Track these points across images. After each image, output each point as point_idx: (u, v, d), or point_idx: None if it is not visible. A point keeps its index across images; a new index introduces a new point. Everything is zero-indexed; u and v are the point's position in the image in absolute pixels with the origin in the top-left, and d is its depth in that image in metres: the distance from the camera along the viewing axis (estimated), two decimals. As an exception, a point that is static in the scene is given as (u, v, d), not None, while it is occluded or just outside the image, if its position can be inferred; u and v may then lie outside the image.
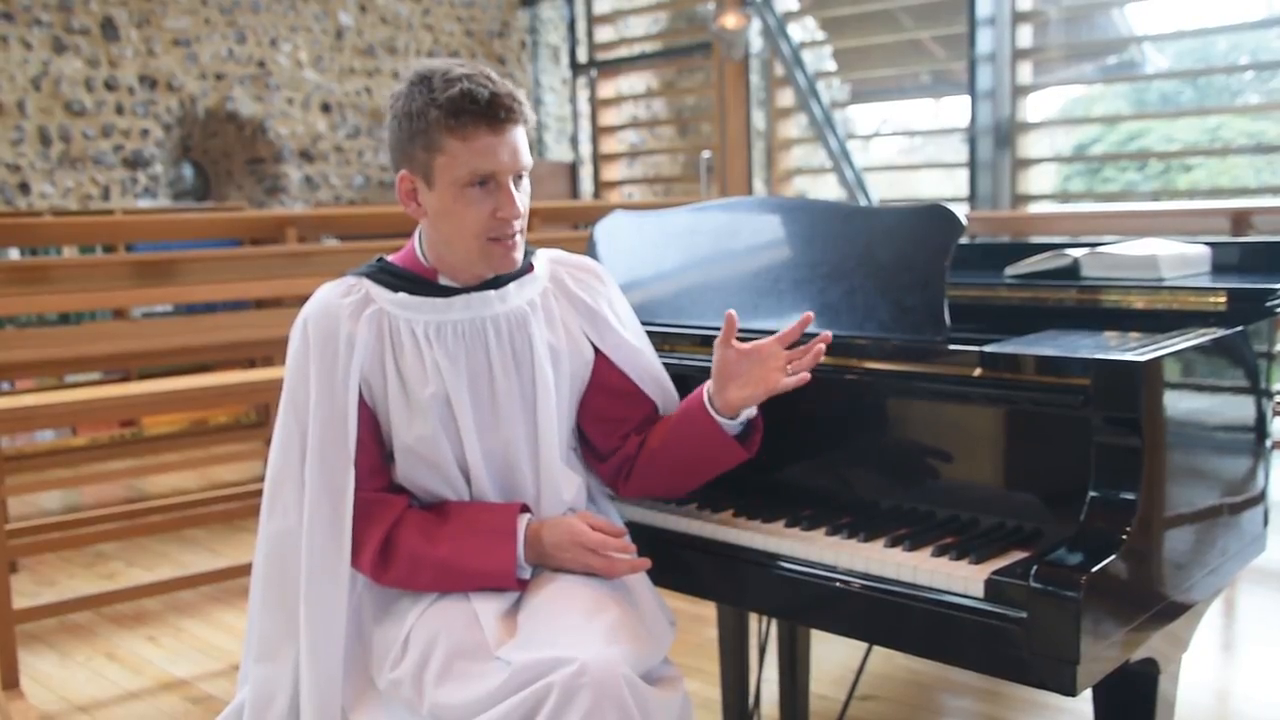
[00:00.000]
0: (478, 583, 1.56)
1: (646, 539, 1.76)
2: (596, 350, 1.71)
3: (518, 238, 1.59)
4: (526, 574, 1.59)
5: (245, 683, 1.65)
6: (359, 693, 1.56)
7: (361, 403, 1.57)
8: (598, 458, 1.76)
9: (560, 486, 1.65)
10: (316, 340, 1.57)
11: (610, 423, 1.73)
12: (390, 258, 1.66)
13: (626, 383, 1.72)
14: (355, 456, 1.56)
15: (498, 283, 1.64)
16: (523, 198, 1.57)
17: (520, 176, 1.57)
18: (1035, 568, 1.33)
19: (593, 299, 1.71)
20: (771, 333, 1.63)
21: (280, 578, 1.58)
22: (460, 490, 1.62)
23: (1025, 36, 7.50)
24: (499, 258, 1.58)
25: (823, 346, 1.57)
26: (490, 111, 1.50)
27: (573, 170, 9.96)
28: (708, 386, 1.64)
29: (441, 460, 1.59)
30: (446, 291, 1.62)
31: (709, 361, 1.81)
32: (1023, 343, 1.59)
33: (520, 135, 1.55)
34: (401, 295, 1.60)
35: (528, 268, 1.69)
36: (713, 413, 1.62)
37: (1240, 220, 4.84)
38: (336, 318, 1.57)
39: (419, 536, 1.56)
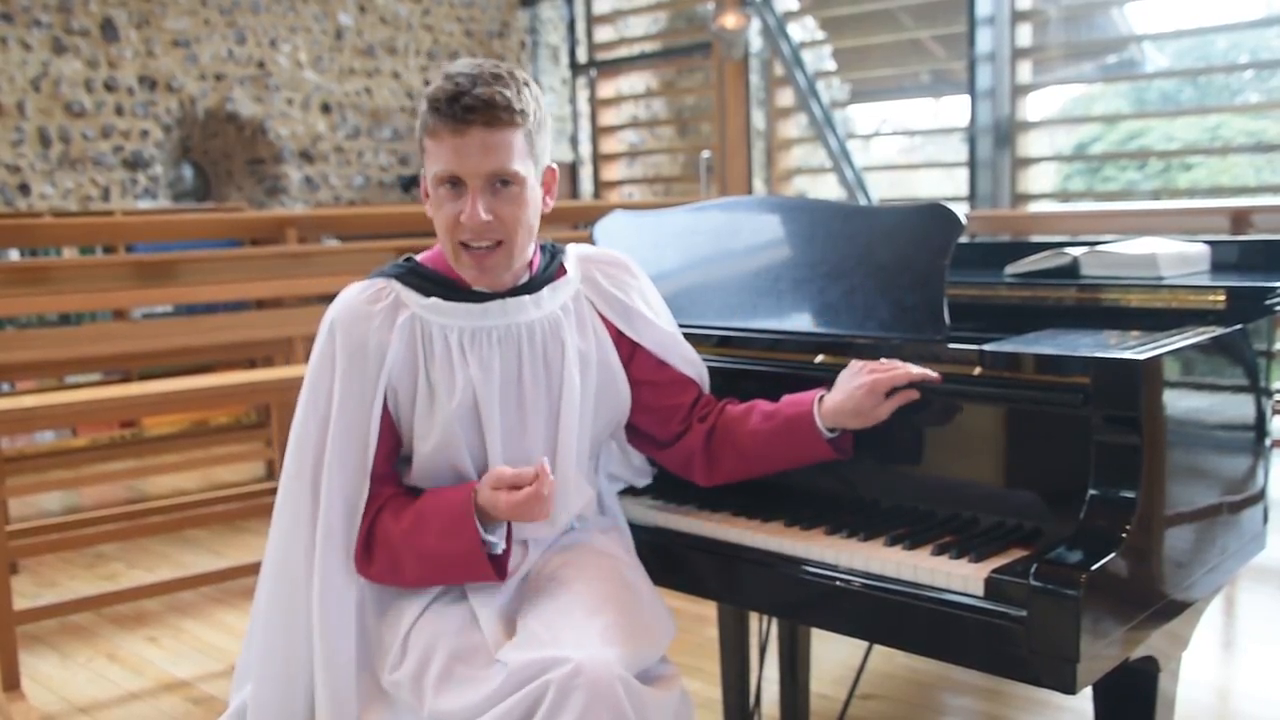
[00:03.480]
0: (454, 566, 1.52)
1: (647, 539, 1.76)
2: (636, 345, 1.70)
3: (498, 252, 1.53)
4: (499, 546, 1.54)
5: (243, 684, 1.65)
6: (366, 693, 1.56)
7: (383, 409, 1.56)
8: (658, 446, 1.75)
9: (571, 495, 1.64)
10: (344, 347, 1.54)
11: (663, 411, 1.72)
12: (419, 258, 1.63)
13: (668, 371, 1.72)
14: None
15: (531, 287, 1.61)
16: (501, 206, 1.51)
17: (501, 183, 1.50)
18: (1035, 566, 1.34)
19: (626, 295, 1.70)
20: (771, 333, 1.62)
21: (289, 579, 1.58)
22: None
23: (1025, 36, 7.50)
24: (468, 267, 1.55)
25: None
26: (451, 110, 1.47)
27: (573, 170, 9.96)
28: (820, 411, 1.60)
29: (461, 466, 1.58)
30: (480, 297, 1.59)
31: (710, 360, 1.81)
32: (1022, 341, 1.59)
33: (498, 139, 1.48)
34: (434, 300, 1.57)
35: (559, 270, 1.67)
36: (825, 432, 1.60)
37: (1240, 219, 4.84)
38: (367, 326, 1.54)
39: (392, 520, 1.54)
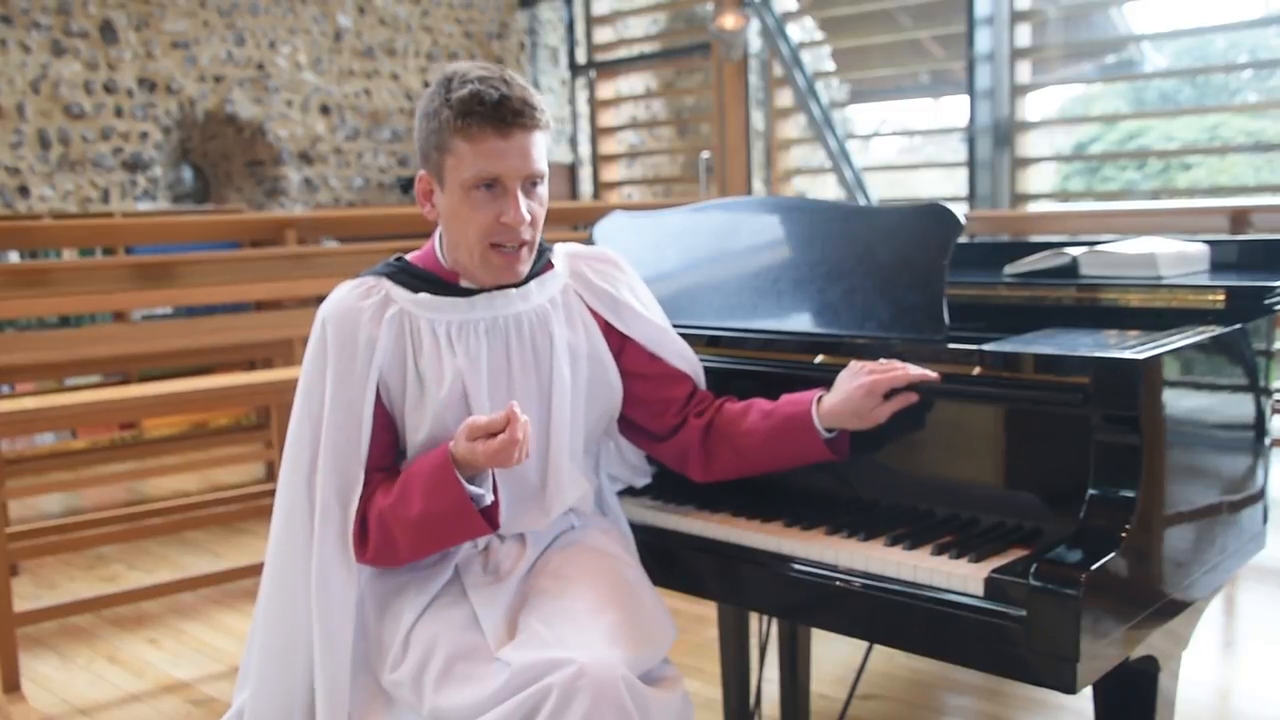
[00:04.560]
0: (445, 524, 1.51)
1: (647, 539, 1.76)
2: (626, 338, 1.71)
3: (524, 250, 1.58)
4: (487, 497, 1.53)
5: (244, 686, 1.65)
6: (367, 694, 1.56)
7: (379, 403, 1.57)
8: (653, 439, 1.76)
9: (565, 487, 1.65)
10: (335, 342, 1.56)
11: (655, 404, 1.73)
12: (409, 257, 1.66)
13: (659, 365, 1.73)
14: (366, 459, 1.55)
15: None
16: (535, 205, 1.56)
17: (533, 184, 1.55)
18: (1035, 566, 1.34)
19: (615, 289, 1.71)
20: (770, 333, 1.62)
21: (288, 576, 1.58)
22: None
23: (1024, 36, 7.50)
24: (499, 268, 1.57)
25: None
26: (497, 114, 1.49)
27: (572, 171, 9.96)
28: (819, 411, 1.60)
29: None
30: (468, 292, 1.61)
31: (709, 360, 1.81)
32: (1022, 341, 1.59)
33: (533, 141, 1.53)
34: (423, 295, 1.60)
35: (547, 265, 1.69)
36: (823, 432, 1.61)
37: (1239, 218, 4.84)
38: (356, 321, 1.57)
39: (382, 498, 1.55)
